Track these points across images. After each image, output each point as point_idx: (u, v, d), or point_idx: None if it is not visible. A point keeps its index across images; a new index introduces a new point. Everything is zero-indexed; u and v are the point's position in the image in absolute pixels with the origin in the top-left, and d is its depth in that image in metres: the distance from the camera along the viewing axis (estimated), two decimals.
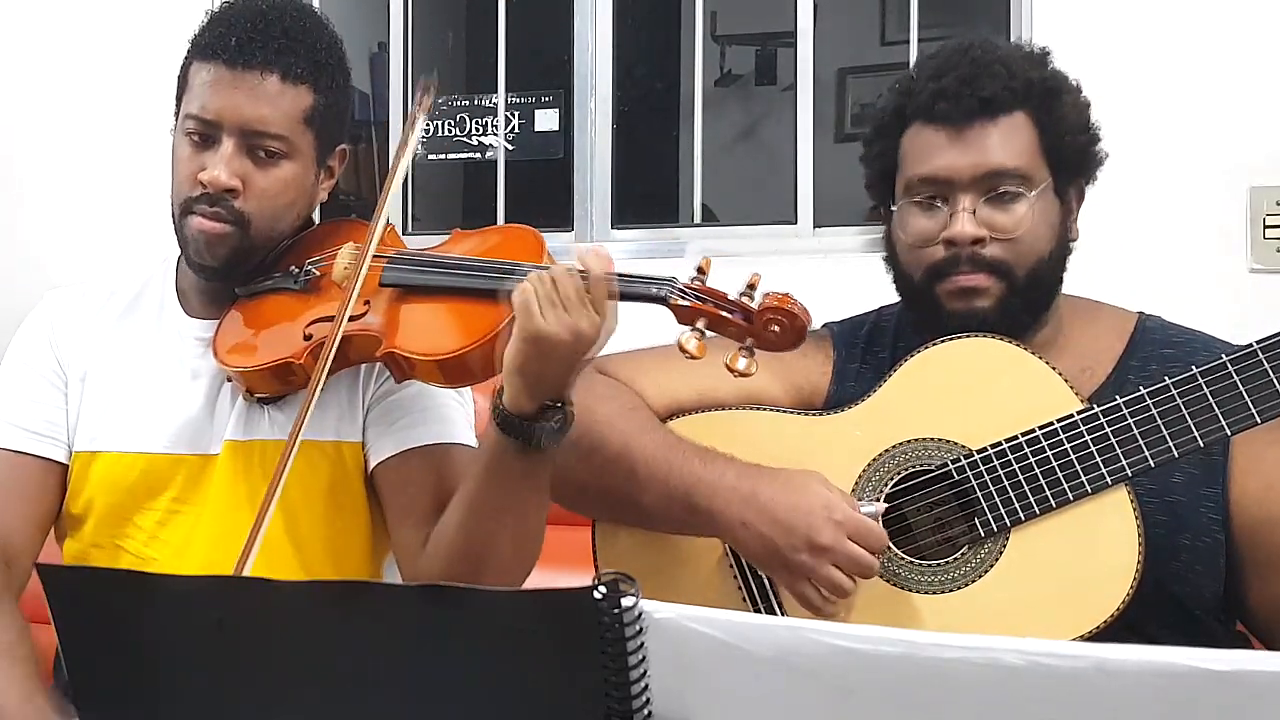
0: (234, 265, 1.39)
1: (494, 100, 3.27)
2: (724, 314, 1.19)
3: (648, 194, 3.75)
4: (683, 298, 1.20)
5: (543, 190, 3.37)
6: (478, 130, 3.29)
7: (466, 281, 1.30)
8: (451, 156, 3.34)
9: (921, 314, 1.40)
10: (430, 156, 3.34)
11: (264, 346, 1.37)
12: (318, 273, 1.39)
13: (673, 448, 1.33)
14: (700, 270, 1.21)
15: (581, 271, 1.19)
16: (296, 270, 1.40)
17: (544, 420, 1.22)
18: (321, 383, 1.27)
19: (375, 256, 1.33)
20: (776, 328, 1.18)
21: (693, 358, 1.18)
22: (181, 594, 0.84)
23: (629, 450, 1.33)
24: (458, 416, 1.43)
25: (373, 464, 1.42)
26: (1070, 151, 1.37)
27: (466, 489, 1.30)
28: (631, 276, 1.22)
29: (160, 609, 0.84)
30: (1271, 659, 0.64)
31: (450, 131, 3.31)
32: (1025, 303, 1.34)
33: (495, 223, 3.18)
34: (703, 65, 3.13)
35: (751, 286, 1.19)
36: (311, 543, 1.40)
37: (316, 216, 1.54)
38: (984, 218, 1.33)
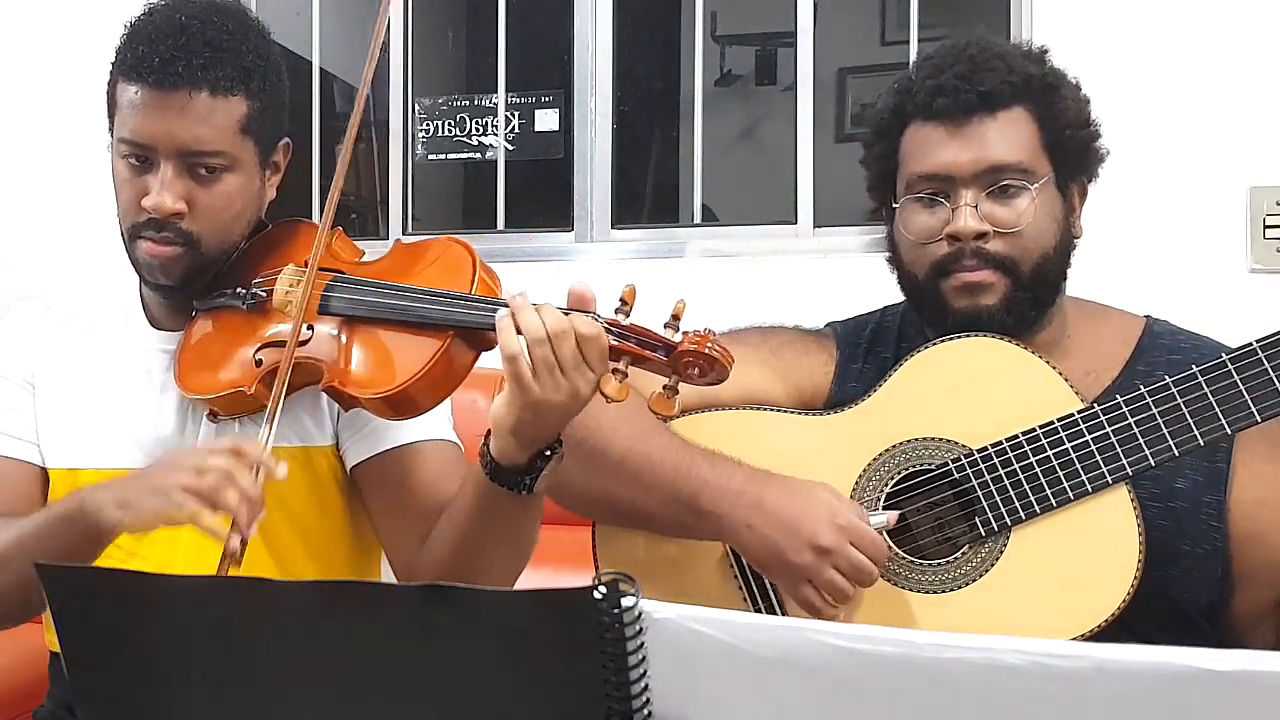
0: (190, 281, 1.38)
1: (494, 100, 3.27)
2: (647, 352, 1.15)
3: (648, 194, 3.75)
4: (605, 335, 1.16)
5: (543, 190, 3.37)
6: (478, 130, 3.29)
7: (405, 312, 1.27)
8: (451, 156, 3.34)
9: (926, 312, 1.39)
10: (430, 156, 3.34)
11: (219, 372, 1.36)
12: (262, 294, 1.37)
13: (679, 451, 1.33)
14: (623, 301, 1.17)
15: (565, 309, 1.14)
16: (243, 291, 1.38)
17: (537, 468, 1.21)
18: (278, 418, 1.26)
19: (318, 274, 1.31)
20: (696, 370, 1.14)
21: (613, 400, 1.15)
22: (181, 594, 0.84)
23: (634, 454, 1.33)
24: (432, 412, 1.42)
25: (350, 466, 1.42)
26: (1071, 146, 1.37)
27: (456, 517, 1.30)
28: None
29: (160, 609, 0.84)
30: (1271, 659, 0.64)
31: (450, 131, 3.31)
32: (1031, 298, 1.34)
33: (496, 224, 3.18)
34: (703, 65, 3.13)
35: (676, 317, 1.15)
36: (290, 548, 1.40)
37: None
38: (986, 212, 1.33)
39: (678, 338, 1.14)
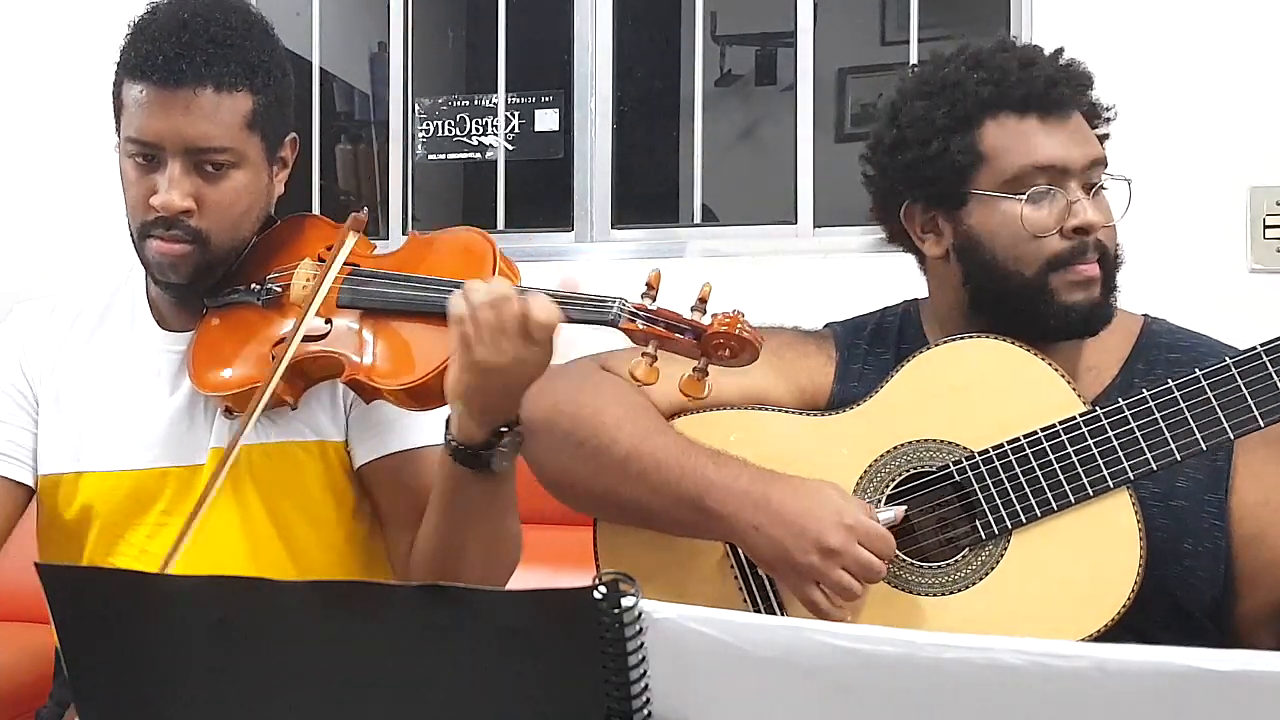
0: (200, 279, 1.38)
1: (494, 100, 3.27)
2: (676, 335, 1.15)
3: (648, 194, 3.75)
4: (633, 320, 1.16)
5: (543, 190, 3.38)
6: (478, 130, 3.29)
7: (424, 303, 1.27)
8: (451, 156, 3.34)
9: (1026, 311, 1.33)
10: (430, 156, 3.34)
11: (233, 367, 1.36)
12: (278, 289, 1.38)
13: (685, 451, 1.32)
14: (650, 286, 1.17)
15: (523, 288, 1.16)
16: (258, 287, 1.39)
17: (495, 447, 1.22)
18: (262, 404, 1.27)
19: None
20: (726, 351, 1.15)
21: (644, 384, 1.15)
22: (181, 594, 0.84)
23: (639, 452, 1.33)
24: (436, 418, 1.42)
25: (356, 465, 1.43)
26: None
27: (434, 507, 1.31)
28: (579, 300, 1.20)
29: (160, 609, 0.84)
30: (1271, 659, 0.64)
31: (450, 131, 3.31)
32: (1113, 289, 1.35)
33: (496, 224, 3.18)
34: (703, 65, 3.13)
35: (703, 300, 1.15)
36: (304, 541, 1.41)
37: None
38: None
39: (707, 320, 1.15)
